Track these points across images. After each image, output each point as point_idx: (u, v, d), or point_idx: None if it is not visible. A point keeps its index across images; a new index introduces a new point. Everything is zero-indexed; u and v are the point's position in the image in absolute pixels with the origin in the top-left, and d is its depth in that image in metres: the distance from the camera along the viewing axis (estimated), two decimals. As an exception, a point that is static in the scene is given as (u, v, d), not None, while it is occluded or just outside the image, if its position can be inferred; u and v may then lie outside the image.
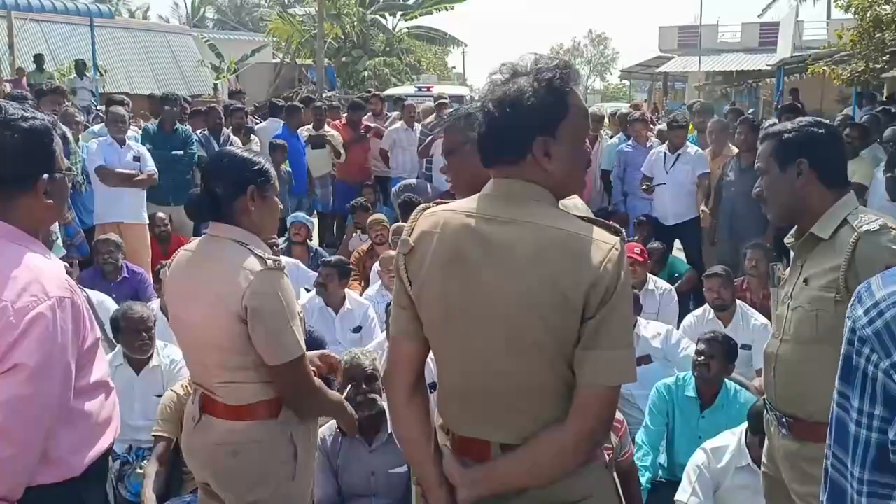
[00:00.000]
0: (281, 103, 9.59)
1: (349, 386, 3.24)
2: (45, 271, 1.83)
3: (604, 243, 1.61)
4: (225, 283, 2.30)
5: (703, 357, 3.78)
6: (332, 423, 3.60)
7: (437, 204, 1.81)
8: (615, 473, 1.88)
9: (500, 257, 1.62)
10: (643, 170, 7.15)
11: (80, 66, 14.26)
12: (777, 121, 6.84)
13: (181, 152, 7.15)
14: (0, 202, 1.87)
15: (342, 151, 8.62)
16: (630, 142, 7.76)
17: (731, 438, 3.37)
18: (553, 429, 1.64)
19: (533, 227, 1.62)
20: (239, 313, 2.28)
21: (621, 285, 1.60)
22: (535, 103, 1.63)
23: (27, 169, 1.88)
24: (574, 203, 2.21)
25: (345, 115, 9.41)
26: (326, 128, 8.76)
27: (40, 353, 1.75)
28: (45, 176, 1.90)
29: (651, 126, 8.79)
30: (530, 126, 1.64)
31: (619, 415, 3.57)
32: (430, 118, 9.58)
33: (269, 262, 2.33)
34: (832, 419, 1.36)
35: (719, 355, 3.78)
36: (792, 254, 2.50)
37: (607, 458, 1.80)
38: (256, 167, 2.43)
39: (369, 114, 9.71)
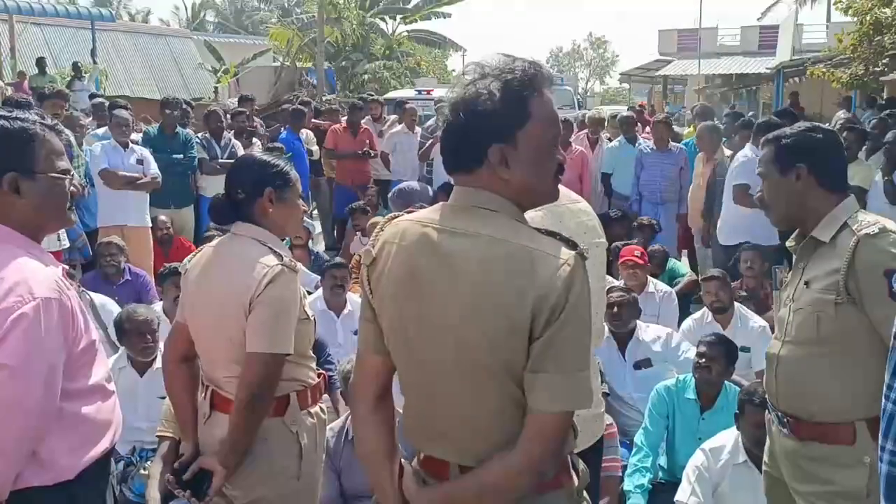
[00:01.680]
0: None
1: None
2: (35, 272, 1.83)
3: (554, 258, 1.51)
4: (241, 276, 2.38)
5: (704, 360, 3.80)
6: (334, 424, 3.62)
7: (410, 213, 1.75)
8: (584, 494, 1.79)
9: (450, 271, 1.55)
10: (736, 179, 6.02)
11: (77, 68, 14.27)
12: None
13: (181, 156, 7.16)
14: None
15: (311, 149, 8.71)
16: (650, 144, 7.64)
17: (728, 437, 3.39)
18: (503, 453, 1.57)
19: (484, 239, 1.54)
20: (247, 306, 2.35)
21: (572, 304, 1.50)
22: (491, 108, 1.53)
23: None
24: (580, 207, 2.20)
25: (344, 118, 9.44)
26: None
27: (22, 353, 1.76)
28: (13, 174, 1.90)
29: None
30: (484, 133, 1.54)
31: (609, 419, 3.58)
32: (431, 121, 9.60)
33: (286, 260, 2.42)
34: (884, 415, 1.37)
35: (720, 358, 3.79)
36: (794, 257, 2.53)
37: (576, 482, 1.72)
38: (275, 170, 2.52)
39: (368, 117, 9.73)
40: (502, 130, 1.55)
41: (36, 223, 1.98)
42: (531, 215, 1.67)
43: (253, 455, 2.43)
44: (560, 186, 2.44)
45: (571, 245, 1.56)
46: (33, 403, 1.80)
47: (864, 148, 7.03)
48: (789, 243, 2.54)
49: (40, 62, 14.86)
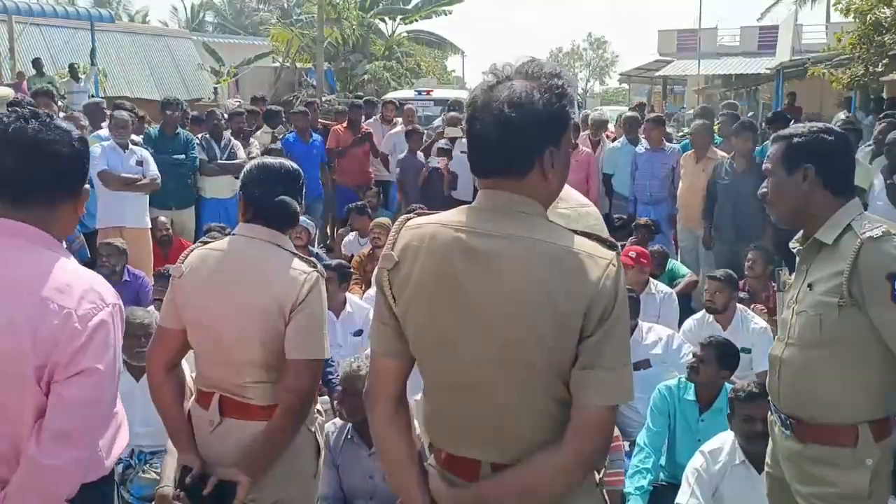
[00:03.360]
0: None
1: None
2: (95, 279, 1.90)
3: (601, 258, 1.57)
4: (279, 283, 2.36)
5: (694, 360, 3.82)
6: (336, 419, 3.63)
7: (419, 215, 1.74)
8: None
9: (492, 273, 1.56)
10: None
11: (73, 70, 14.21)
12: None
13: (183, 156, 7.15)
14: (45, 209, 1.89)
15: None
16: (645, 144, 7.62)
17: (726, 438, 3.40)
18: (549, 450, 1.59)
19: (526, 241, 1.57)
20: (287, 311, 2.34)
21: (619, 302, 1.56)
22: (551, 112, 1.58)
23: (78, 177, 1.94)
24: (588, 211, 2.20)
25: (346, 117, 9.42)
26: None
27: (106, 357, 1.82)
28: (87, 186, 1.99)
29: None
30: (546, 135, 1.59)
31: (616, 431, 3.57)
32: (438, 121, 9.57)
33: (319, 267, 2.43)
34: None
35: (710, 360, 3.79)
36: (797, 258, 2.52)
37: (598, 477, 1.76)
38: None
39: (375, 118, 9.73)
40: (555, 133, 1.61)
41: (72, 230, 2.08)
42: None
43: (279, 457, 2.42)
44: (570, 189, 2.45)
45: (609, 245, 1.61)
46: (110, 404, 1.89)
47: (868, 150, 7.01)
48: (793, 244, 2.54)
49: (37, 63, 14.84)
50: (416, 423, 1.83)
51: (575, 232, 1.61)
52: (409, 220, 1.73)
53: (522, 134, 1.57)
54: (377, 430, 1.78)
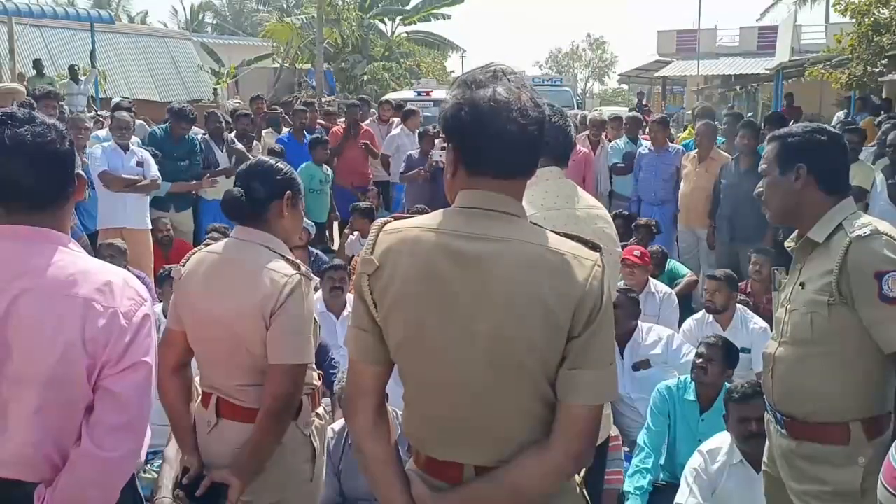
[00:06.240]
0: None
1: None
2: (126, 275, 1.91)
3: (586, 259, 1.58)
4: (261, 286, 2.35)
5: (701, 360, 3.82)
6: (335, 425, 3.62)
7: (396, 219, 1.71)
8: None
9: (480, 276, 1.56)
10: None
11: (73, 72, 14.19)
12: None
13: (186, 162, 7.12)
14: (58, 209, 1.90)
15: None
16: (649, 144, 7.61)
17: (725, 438, 3.41)
18: (536, 450, 1.59)
19: (512, 243, 1.57)
20: (268, 315, 2.33)
21: (605, 303, 1.58)
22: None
23: (74, 167, 1.94)
24: (599, 214, 2.21)
25: (342, 119, 9.44)
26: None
27: (151, 349, 1.86)
28: (81, 172, 1.98)
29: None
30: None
31: (615, 430, 3.57)
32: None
33: (304, 270, 2.42)
34: None
35: (718, 360, 3.80)
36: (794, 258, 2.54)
37: (578, 478, 1.75)
38: (292, 176, 2.56)
39: (373, 118, 9.72)
40: None
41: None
42: (544, 215, 1.68)
43: (271, 460, 2.42)
44: (583, 191, 2.45)
45: (591, 246, 1.62)
46: (154, 395, 1.92)
47: (871, 151, 7.03)
48: (788, 244, 2.56)
49: (37, 64, 14.83)
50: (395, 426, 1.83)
51: (556, 233, 1.62)
52: (386, 223, 1.70)
53: (542, 135, 1.62)
54: (357, 437, 1.77)
